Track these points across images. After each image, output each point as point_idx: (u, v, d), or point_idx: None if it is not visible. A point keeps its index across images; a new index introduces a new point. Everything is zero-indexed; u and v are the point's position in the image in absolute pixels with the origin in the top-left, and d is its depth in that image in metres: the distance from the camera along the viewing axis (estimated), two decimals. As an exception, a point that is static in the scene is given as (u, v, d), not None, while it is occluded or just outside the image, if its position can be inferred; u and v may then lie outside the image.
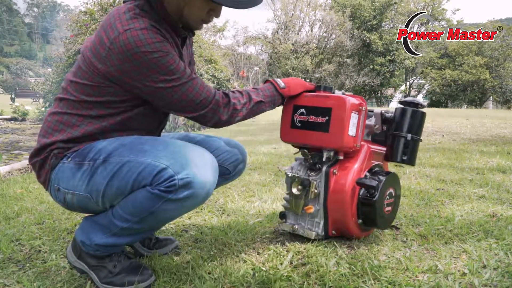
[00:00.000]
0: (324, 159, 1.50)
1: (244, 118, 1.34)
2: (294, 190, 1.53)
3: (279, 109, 1.59)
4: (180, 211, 1.18)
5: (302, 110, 1.50)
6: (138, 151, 1.15)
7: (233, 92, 1.33)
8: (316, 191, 1.50)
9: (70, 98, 1.24)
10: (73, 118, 1.23)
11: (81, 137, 1.23)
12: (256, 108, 1.37)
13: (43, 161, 1.25)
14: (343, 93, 1.51)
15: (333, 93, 1.51)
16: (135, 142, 1.19)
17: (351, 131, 1.44)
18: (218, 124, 1.30)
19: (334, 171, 1.49)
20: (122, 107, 1.24)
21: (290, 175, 1.57)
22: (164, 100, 1.21)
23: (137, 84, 1.17)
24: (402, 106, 1.58)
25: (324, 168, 1.50)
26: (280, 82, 1.45)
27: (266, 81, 1.48)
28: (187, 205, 1.15)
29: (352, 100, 1.44)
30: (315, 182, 1.50)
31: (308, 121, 1.49)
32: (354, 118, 1.44)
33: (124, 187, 1.14)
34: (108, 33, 1.14)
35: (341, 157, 1.49)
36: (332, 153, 1.49)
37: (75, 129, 1.23)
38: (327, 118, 1.44)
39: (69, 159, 1.22)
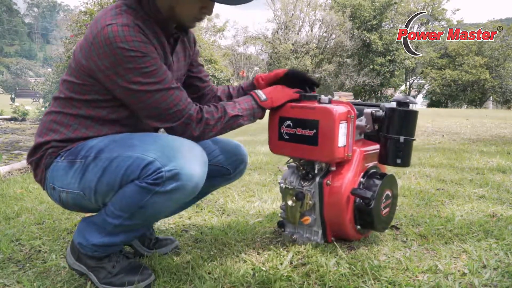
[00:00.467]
0: (316, 171, 1.48)
1: (220, 133, 1.30)
2: (289, 202, 1.52)
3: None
4: (169, 205, 1.17)
5: (289, 122, 1.45)
6: (128, 146, 1.14)
7: (208, 106, 1.28)
8: (310, 202, 1.48)
9: (61, 96, 1.25)
10: (65, 118, 1.24)
11: (75, 139, 1.23)
12: (233, 123, 1.30)
13: (38, 160, 1.26)
14: (329, 100, 1.45)
15: (319, 100, 1.45)
16: (125, 137, 1.19)
17: (341, 142, 1.39)
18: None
19: (328, 182, 1.45)
20: (109, 107, 1.23)
21: (283, 186, 1.55)
22: (137, 103, 1.18)
23: (113, 83, 1.16)
24: (392, 105, 1.48)
25: (317, 179, 1.48)
26: (261, 94, 1.38)
27: (247, 92, 1.43)
28: (175, 197, 1.14)
29: (339, 110, 1.38)
30: (309, 194, 1.48)
31: (295, 134, 1.44)
32: (343, 128, 1.39)
33: (114, 182, 1.14)
34: (92, 29, 1.14)
35: (333, 168, 1.47)
36: (323, 164, 1.48)
37: (68, 129, 1.23)
38: (314, 131, 1.39)
39: (63, 157, 1.22)
